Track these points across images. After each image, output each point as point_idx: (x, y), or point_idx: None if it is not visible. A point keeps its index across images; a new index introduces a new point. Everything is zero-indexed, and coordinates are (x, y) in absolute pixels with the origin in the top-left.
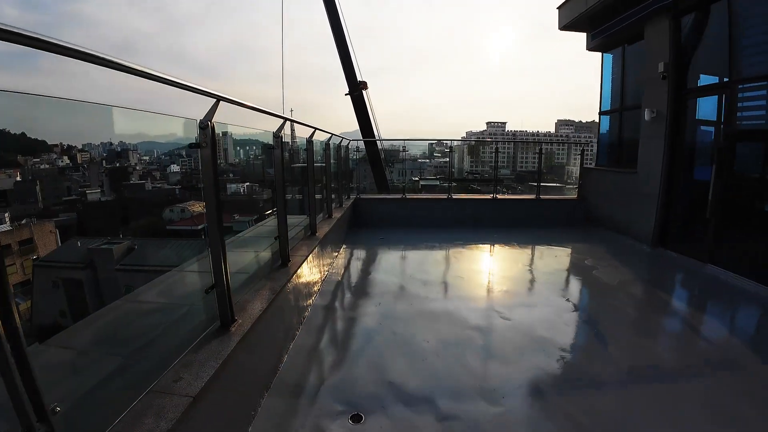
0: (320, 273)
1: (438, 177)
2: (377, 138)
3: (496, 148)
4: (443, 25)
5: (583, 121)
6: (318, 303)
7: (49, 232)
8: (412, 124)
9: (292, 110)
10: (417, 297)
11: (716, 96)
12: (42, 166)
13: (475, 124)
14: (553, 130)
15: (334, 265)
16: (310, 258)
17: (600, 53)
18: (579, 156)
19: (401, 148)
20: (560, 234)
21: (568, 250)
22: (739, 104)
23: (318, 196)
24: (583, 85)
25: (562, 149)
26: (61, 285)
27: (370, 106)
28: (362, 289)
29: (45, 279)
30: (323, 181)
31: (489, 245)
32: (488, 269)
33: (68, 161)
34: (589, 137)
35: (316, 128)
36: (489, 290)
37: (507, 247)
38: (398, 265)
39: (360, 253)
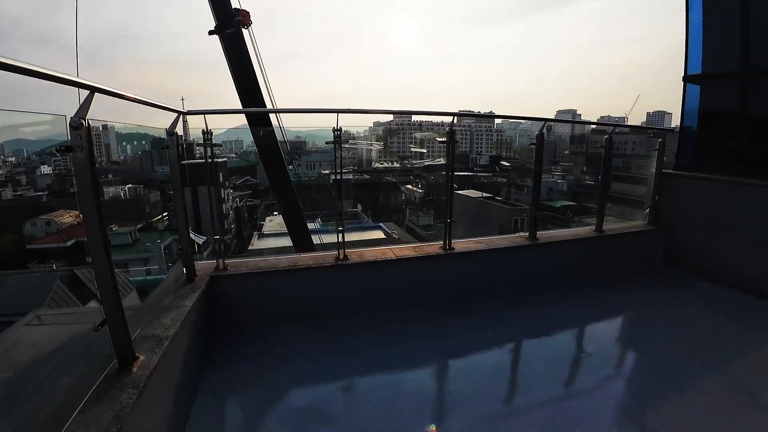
0: None
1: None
2: (271, 109)
3: (539, 136)
4: (349, 10)
5: (482, 111)
6: None
7: None
8: (309, 117)
9: (183, 99)
10: None
11: None
12: None
13: (383, 114)
14: (455, 120)
15: None
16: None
17: None
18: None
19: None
20: (654, 300)
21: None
22: None
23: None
24: (486, 77)
25: (465, 138)
26: None
27: (259, 57)
28: None
29: None
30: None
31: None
32: None
33: None
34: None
35: (180, 112)
36: None
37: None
38: None
39: None
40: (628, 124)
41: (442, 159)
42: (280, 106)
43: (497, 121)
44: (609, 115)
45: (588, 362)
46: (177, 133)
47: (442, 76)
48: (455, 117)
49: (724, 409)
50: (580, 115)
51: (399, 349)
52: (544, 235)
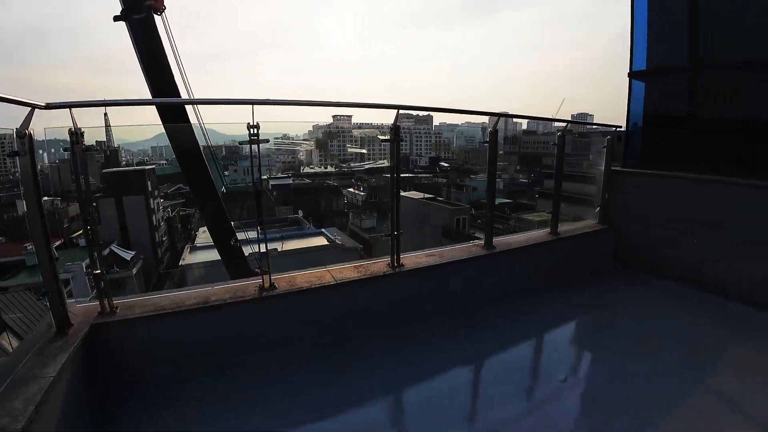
0: None
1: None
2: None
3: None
4: (288, 7)
5: (421, 114)
6: None
7: None
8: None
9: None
10: None
11: None
12: None
13: (322, 116)
14: (399, 113)
15: None
16: None
17: None
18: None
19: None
20: (618, 300)
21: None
22: None
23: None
24: (420, 83)
25: (405, 140)
26: None
27: (174, 48)
28: None
29: None
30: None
31: None
32: None
33: None
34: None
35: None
36: None
37: None
38: None
39: None
40: (579, 121)
41: (385, 161)
42: (203, 111)
43: (435, 123)
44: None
45: (555, 370)
46: (30, 133)
47: (379, 80)
48: (399, 110)
49: (693, 407)
50: (503, 120)
51: (341, 391)
52: (500, 242)
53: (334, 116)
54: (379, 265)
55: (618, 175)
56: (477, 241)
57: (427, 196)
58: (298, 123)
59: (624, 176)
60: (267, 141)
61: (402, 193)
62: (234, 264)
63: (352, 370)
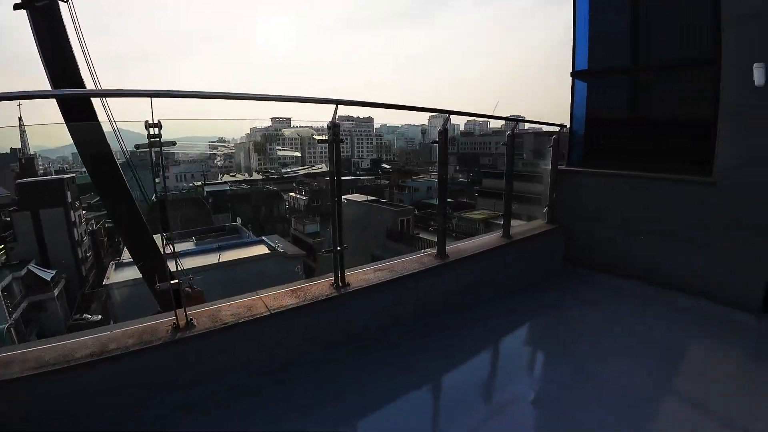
0: None
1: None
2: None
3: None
4: (220, 5)
5: (361, 117)
6: None
7: None
8: (182, 122)
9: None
10: None
11: None
12: None
13: (261, 117)
14: (338, 109)
15: None
16: None
17: None
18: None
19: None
20: (576, 304)
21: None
22: None
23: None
24: (358, 87)
25: (346, 142)
26: None
27: (82, 39)
28: None
29: None
30: None
31: None
32: None
33: None
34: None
35: None
36: None
37: None
38: None
39: None
40: (526, 119)
41: (323, 165)
42: (118, 110)
43: (376, 125)
44: (474, 120)
45: (513, 379)
46: None
47: (316, 82)
48: (338, 105)
49: (653, 406)
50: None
51: None
52: (453, 249)
53: (273, 118)
54: (321, 286)
55: (564, 174)
56: (429, 250)
57: (370, 198)
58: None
59: (570, 175)
60: (173, 143)
61: (345, 196)
62: (152, 272)
63: (288, 414)
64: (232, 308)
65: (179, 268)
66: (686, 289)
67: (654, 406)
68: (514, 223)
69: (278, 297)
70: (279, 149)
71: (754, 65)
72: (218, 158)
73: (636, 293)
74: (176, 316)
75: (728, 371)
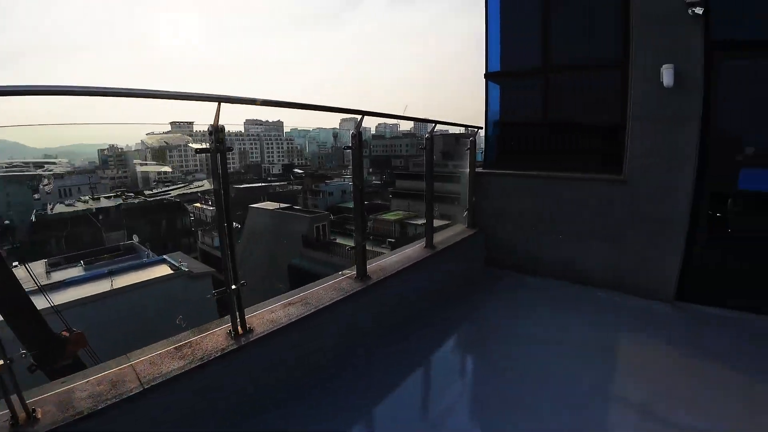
0: None
1: None
2: None
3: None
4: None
5: (270, 120)
6: None
7: None
8: (63, 129)
9: None
10: None
11: None
12: None
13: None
14: (242, 129)
15: None
16: None
17: None
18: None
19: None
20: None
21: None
22: None
23: None
24: (262, 89)
25: (255, 147)
26: None
27: None
28: None
29: None
30: None
31: None
32: None
33: None
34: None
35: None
36: None
37: None
38: None
39: None
40: (442, 120)
41: (205, 183)
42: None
43: (286, 129)
44: (385, 123)
45: (446, 392)
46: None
47: (235, 87)
48: (221, 103)
49: (582, 400)
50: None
51: None
52: (375, 268)
53: (172, 123)
54: (216, 338)
55: (481, 176)
56: (347, 272)
57: (283, 205)
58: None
59: (487, 177)
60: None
61: (254, 205)
62: (23, 327)
63: None
64: (90, 386)
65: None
66: (604, 285)
67: (585, 403)
68: (436, 223)
69: (157, 361)
70: (139, 163)
71: (663, 66)
72: (46, 181)
73: (556, 292)
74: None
75: (647, 361)
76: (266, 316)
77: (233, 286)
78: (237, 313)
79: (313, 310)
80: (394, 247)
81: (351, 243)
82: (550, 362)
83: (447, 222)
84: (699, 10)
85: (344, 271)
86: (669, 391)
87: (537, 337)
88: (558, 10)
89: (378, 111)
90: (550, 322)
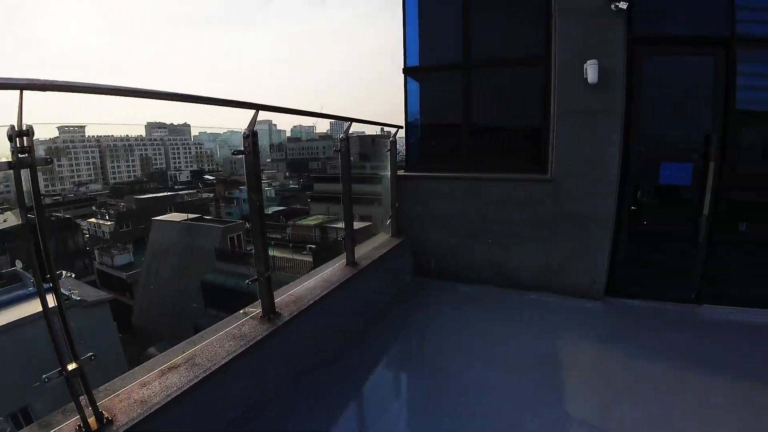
0: None
1: None
2: None
3: None
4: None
5: (175, 123)
6: None
7: None
8: None
9: None
10: None
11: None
12: None
13: (44, 128)
14: (144, 133)
15: None
16: None
17: None
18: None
19: None
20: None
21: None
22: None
23: None
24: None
25: (159, 153)
26: None
27: None
28: None
29: None
30: None
31: None
32: None
33: None
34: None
35: None
36: None
37: None
38: None
39: None
40: (359, 119)
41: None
42: None
43: (194, 132)
44: (300, 125)
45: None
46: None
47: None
48: (24, 91)
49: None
50: (275, 125)
51: None
52: (288, 300)
53: (59, 127)
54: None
55: (404, 180)
56: (251, 310)
57: (192, 216)
58: None
59: (410, 181)
60: None
61: (159, 217)
62: None
63: None
64: None
65: None
66: (534, 287)
67: (519, 407)
68: (357, 225)
69: None
70: None
71: (587, 62)
72: None
73: (487, 298)
74: None
75: (581, 361)
76: (135, 394)
77: (74, 364)
78: (83, 407)
79: (203, 375)
80: (314, 253)
81: (272, 252)
82: (484, 369)
83: (368, 224)
84: (623, 5)
85: (247, 309)
86: (606, 389)
87: (470, 345)
88: (479, 3)
89: (277, 105)
90: (481, 328)
